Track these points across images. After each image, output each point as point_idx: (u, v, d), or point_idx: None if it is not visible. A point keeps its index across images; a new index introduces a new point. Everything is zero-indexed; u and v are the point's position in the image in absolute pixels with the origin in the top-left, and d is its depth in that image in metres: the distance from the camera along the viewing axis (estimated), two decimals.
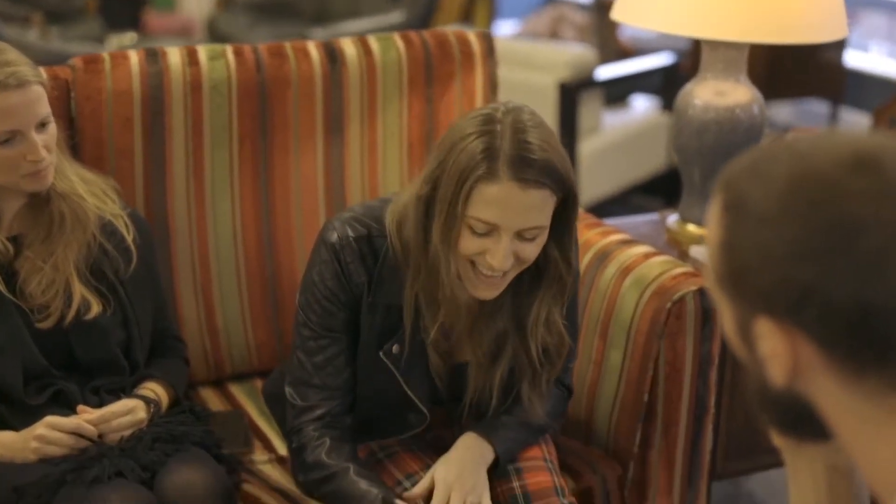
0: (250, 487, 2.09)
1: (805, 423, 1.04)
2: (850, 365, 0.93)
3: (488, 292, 1.80)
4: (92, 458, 1.86)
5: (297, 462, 1.93)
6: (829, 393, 0.97)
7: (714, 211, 1.02)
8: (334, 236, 1.87)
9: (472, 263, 1.77)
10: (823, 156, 0.95)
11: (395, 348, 1.87)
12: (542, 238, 1.77)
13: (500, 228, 1.71)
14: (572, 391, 2.08)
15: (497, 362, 1.89)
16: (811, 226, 0.92)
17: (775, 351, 0.97)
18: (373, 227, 1.88)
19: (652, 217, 2.85)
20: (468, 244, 1.74)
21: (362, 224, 1.88)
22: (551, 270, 1.84)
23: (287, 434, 1.96)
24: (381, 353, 1.87)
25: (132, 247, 2.09)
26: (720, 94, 2.55)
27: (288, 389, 1.93)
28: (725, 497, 3.01)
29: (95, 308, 2.02)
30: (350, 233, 1.87)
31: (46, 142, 1.96)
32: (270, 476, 2.15)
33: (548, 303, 1.86)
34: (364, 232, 1.87)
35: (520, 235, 1.73)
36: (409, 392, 1.90)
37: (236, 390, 2.45)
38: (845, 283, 0.91)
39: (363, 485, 1.82)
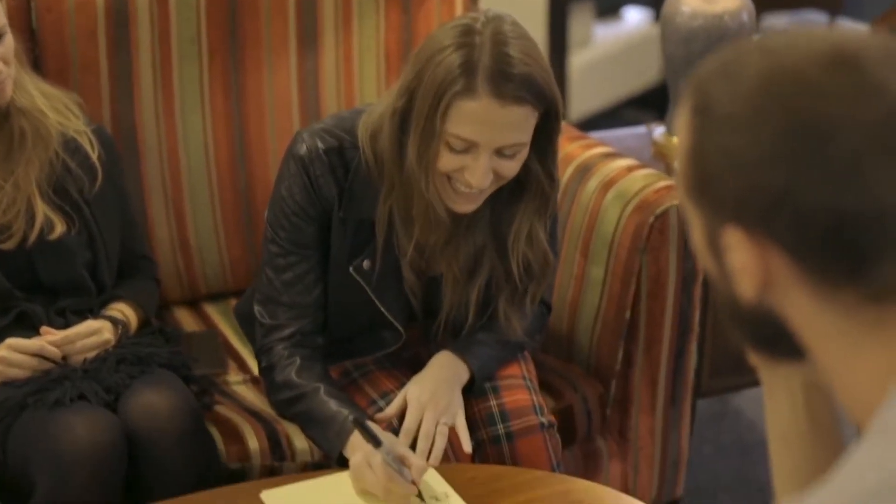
0: (223, 409, 2.04)
1: (778, 340, 0.98)
2: (824, 277, 0.87)
3: (466, 206, 1.74)
4: (54, 380, 1.81)
5: (266, 382, 1.89)
6: (803, 309, 0.91)
7: (683, 115, 0.95)
8: (303, 149, 1.80)
9: (449, 178, 1.70)
10: (798, 53, 0.88)
11: (365, 264, 1.82)
12: (523, 154, 1.71)
13: (479, 146, 1.65)
14: (551, 308, 2.03)
15: (474, 278, 1.84)
16: (782, 128, 0.85)
17: (745, 263, 0.91)
18: (344, 139, 1.81)
19: (639, 130, 2.77)
20: (446, 161, 1.68)
21: (333, 136, 1.81)
22: (533, 184, 1.78)
23: (257, 353, 1.91)
24: (351, 269, 1.82)
25: (97, 164, 2.01)
26: (708, 0, 2.46)
27: (257, 308, 1.88)
28: (713, 415, 2.98)
29: (59, 228, 1.95)
30: (320, 145, 1.80)
31: (3, 54, 1.88)
32: (245, 397, 2.11)
33: (529, 217, 1.80)
34: (335, 144, 1.80)
35: (499, 152, 1.67)
36: (382, 309, 1.85)
37: (211, 310, 2.39)
38: (818, 189, 0.84)
39: (333, 405, 1.77)
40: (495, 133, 1.65)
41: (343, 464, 1.73)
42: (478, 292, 1.84)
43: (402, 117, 1.71)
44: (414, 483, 1.63)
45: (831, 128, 0.83)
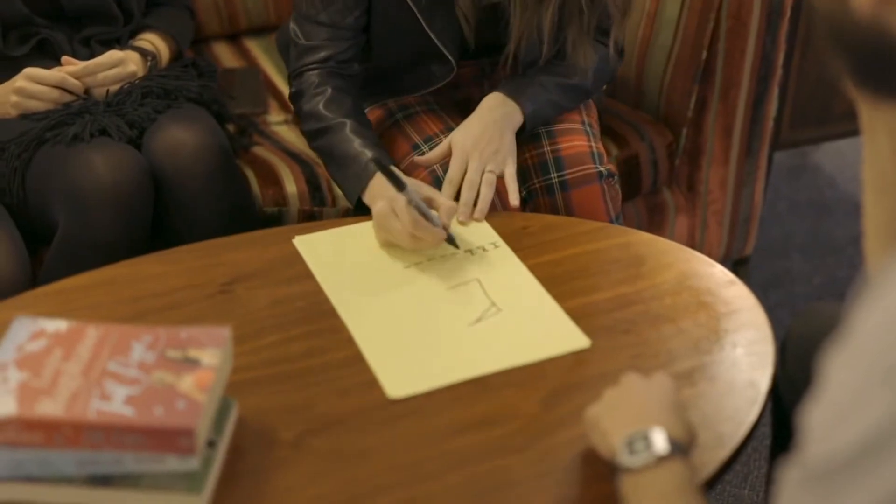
0: (262, 150, 1.91)
1: (889, 70, 0.80)
2: None
3: None
4: (74, 114, 1.68)
5: (294, 108, 1.74)
6: None
7: None
8: None
9: None
10: None
11: None
12: None
13: None
14: (623, 52, 1.81)
15: (544, 3, 1.62)
16: None
17: None
18: None
19: None
20: None
21: None
22: None
23: (289, 76, 1.75)
24: None
25: None
26: None
27: (292, 26, 1.72)
28: (790, 169, 2.79)
29: None
30: None
31: None
32: (285, 139, 1.97)
33: None
34: None
35: None
36: (432, 36, 1.67)
37: (252, 45, 2.24)
38: None
39: (356, 144, 1.61)
40: None
41: (362, 209, 1.59)
42: (551, 17, 1.64)
43: None
44: (445, 228, 1.48)
45: None
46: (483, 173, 1.57)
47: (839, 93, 0.93)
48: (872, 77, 0.86)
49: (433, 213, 1.47)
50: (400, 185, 1.45)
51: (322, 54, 1.68)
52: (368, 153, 1.58)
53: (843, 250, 2.52)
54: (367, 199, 1.57)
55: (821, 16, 0.83)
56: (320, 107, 1.66)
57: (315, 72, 1.68)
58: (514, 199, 1.58)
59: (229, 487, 1.11)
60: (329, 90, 1.66)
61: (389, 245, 1.50)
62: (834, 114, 2.48)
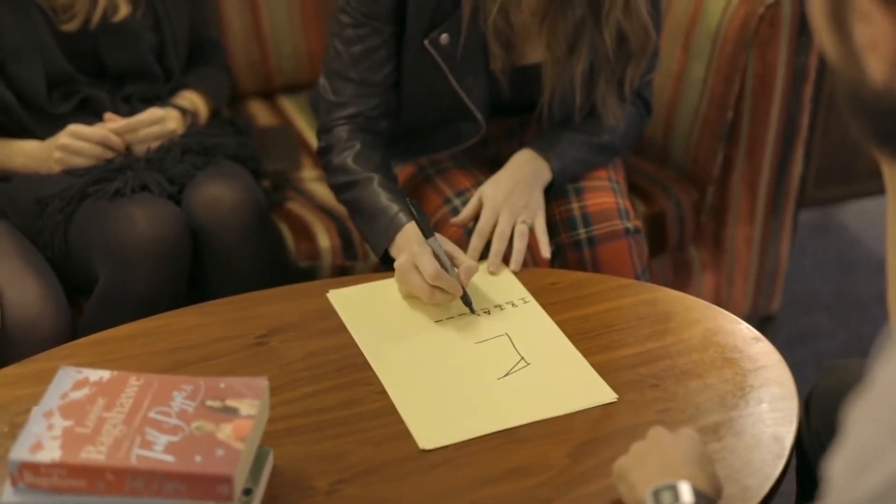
0: (295, 206, 1.96)
1: None
2: None
3: None
4: (115, 170, 1.73)
5: (323, 162, 1.75)
6: None
7: None
8: None
9: None
10: None
11: (443, 38, 1.66)
12: None
13: None
14: (651, 110, 1.85)
15: (574, 56, 1.67)
16: None
17: (877, 38, 0.76)
18: None
19: None
20: None
21: None
22: None
23: (318, 131, 1.76)
24: (426, 42, 1.67)
25: None
26: None
27: (322, 81, 1.74)
28: (814, 227, 2.82)
29: (124, 9, 1.85)
30: None
31: None
32: (318, 194, 2.01)
33: None
34: None
35: None
36: (461, 93, 1.71)
37: (286, 103, 2.29)
38: None
39: (384, 198, 1.63)
40: None
41: (387, 262, 1.62)
42: (582, 72, 1.68)
43: None
44: (463, 288, 1.51)
45: None
46: (515, 225, 1.61)
47: (863, 152, 0.96)
48: (890, 139, 0.89)
49: (454, 269, 1.50)
50: (428, 233, 1.50)
51: (351, 110, 1.70)
52: (395, 207, 1.61)
53: (869, 307, 2.53)
54: (394, 251, 1.59)
55: (840, 82, 0.86)
56: (349, 161, 1.68)
57: (344, 126, 1.70)
58: (545, 250, 1.62)
59: None
60: (358, 145, 1.69)
61: (415, 298, 1.53)
62: (858, 173, 2.51)
